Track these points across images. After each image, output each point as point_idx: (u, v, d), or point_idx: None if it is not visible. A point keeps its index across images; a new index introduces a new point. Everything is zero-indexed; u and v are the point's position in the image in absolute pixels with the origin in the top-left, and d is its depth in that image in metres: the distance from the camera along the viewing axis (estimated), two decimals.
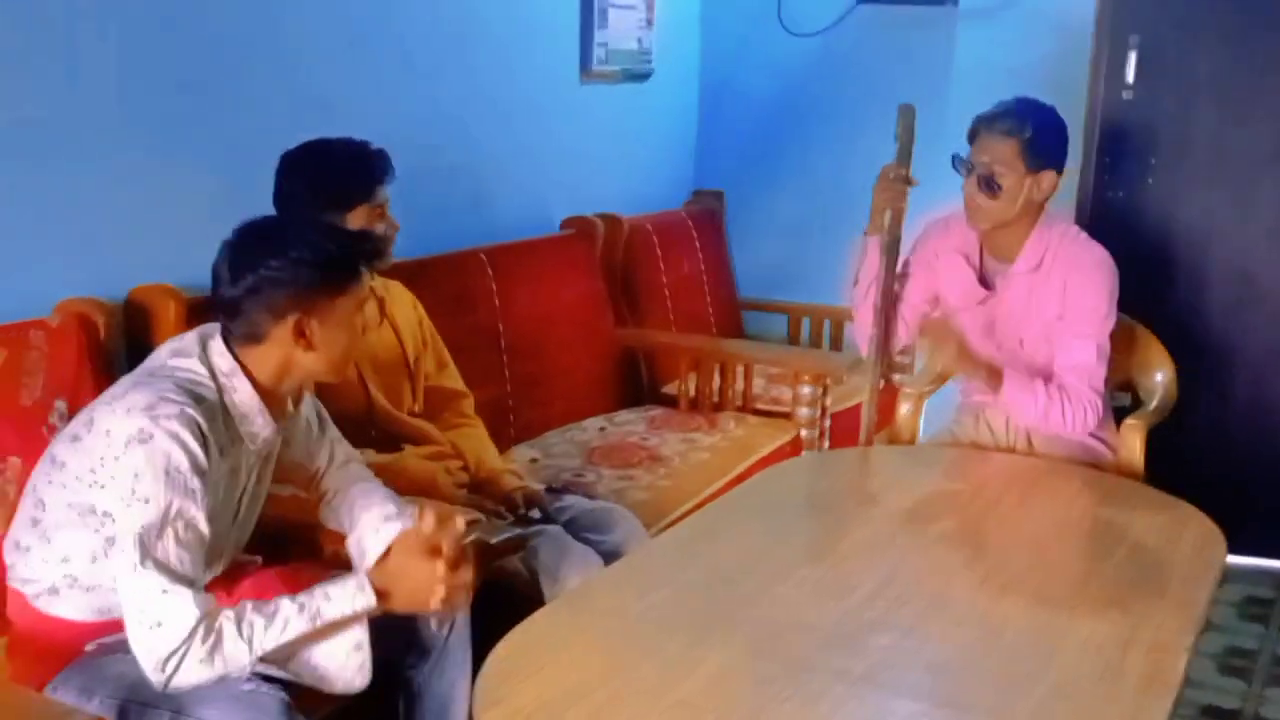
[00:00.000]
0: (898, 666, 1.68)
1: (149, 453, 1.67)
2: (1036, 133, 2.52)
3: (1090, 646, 1.72)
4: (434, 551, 1.81)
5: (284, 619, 1.72)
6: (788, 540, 2.15)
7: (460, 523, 1.85)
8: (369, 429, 2.49)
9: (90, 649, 1.85)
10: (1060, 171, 2.59)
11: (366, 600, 1.77)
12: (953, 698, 1.60)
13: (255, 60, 2.72)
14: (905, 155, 2.66)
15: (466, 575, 1.83)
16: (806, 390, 3.41)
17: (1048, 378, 2.57)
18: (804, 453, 3.38)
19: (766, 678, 1.63)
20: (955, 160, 2.61)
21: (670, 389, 3.73)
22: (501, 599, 2.11)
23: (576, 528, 2.51)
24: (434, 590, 1.80)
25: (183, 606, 1.66)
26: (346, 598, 1.77)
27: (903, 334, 2.85)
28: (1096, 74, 3.59)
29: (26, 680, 1.83)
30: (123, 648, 1.72)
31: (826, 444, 3.49)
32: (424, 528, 1.83)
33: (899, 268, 2.78)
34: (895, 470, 2.61)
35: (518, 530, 2.35)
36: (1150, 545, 2.13)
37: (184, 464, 1.69)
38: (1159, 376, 2.85)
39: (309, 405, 2.06)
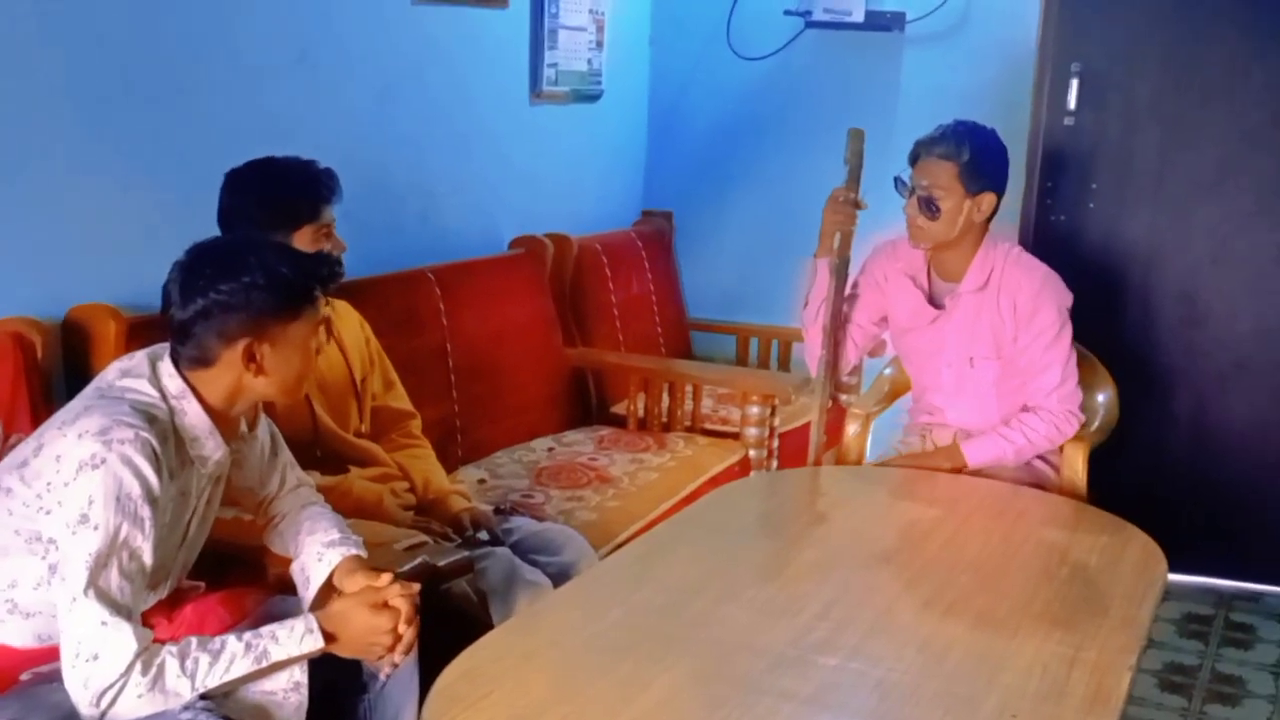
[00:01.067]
0: (844, 688, 1.69)
1: (101, 478, 1.64)
2: (975, 155, 2.57)
3: (1035, 667, 1.73)
4: (384, 604, 1.82)
5: (229, 657, 1.70)
6: (737, 561, 2.15)
7: (414, 587, 1.86)
8: (314, 450, 2.46)
9: (25, 678, 1.80)
10: (1000, 193, 2.63)
11: (314, 643, 1.76)
12: None
13: (202, 76, 2.69)
14: (855, 178, 2.70)
15: (413, 630, 1.84)
16: (755, 410, 3.42)
17: (1000, 401, 2.66)
18: (752, 473, 3.39)
19: (716, 700, 1.63)
20: (897, 182, 2.65)
21: (619, 409, 3.72)
22: (449, 622, 2.09)
23: (525, 549, 2.49)
24: (382, 643, 1.81)
25: (121, 640, 1.63)
26: (294, 640, 1.75)
27: (851, 355, 2.88)
28: (1039, 99, 3.66)
29: None
30: (58, 676, 1.68)
31: (775, 464, 3.50)
32: (378, 583, 1.85)
33: (848, 289, 2.81)
34: (843, 490, 2.63)
35: (465, 552, 2.33)
36: (1093, 565, 2.16)
37: (135, 491, 1.66)
38: (1101, 397, 2.90)
39: (264, 427, 2.04)
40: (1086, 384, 2.90)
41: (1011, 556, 2.19)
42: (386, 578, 1.86)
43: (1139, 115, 3.59)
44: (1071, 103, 3.62)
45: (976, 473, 2.69)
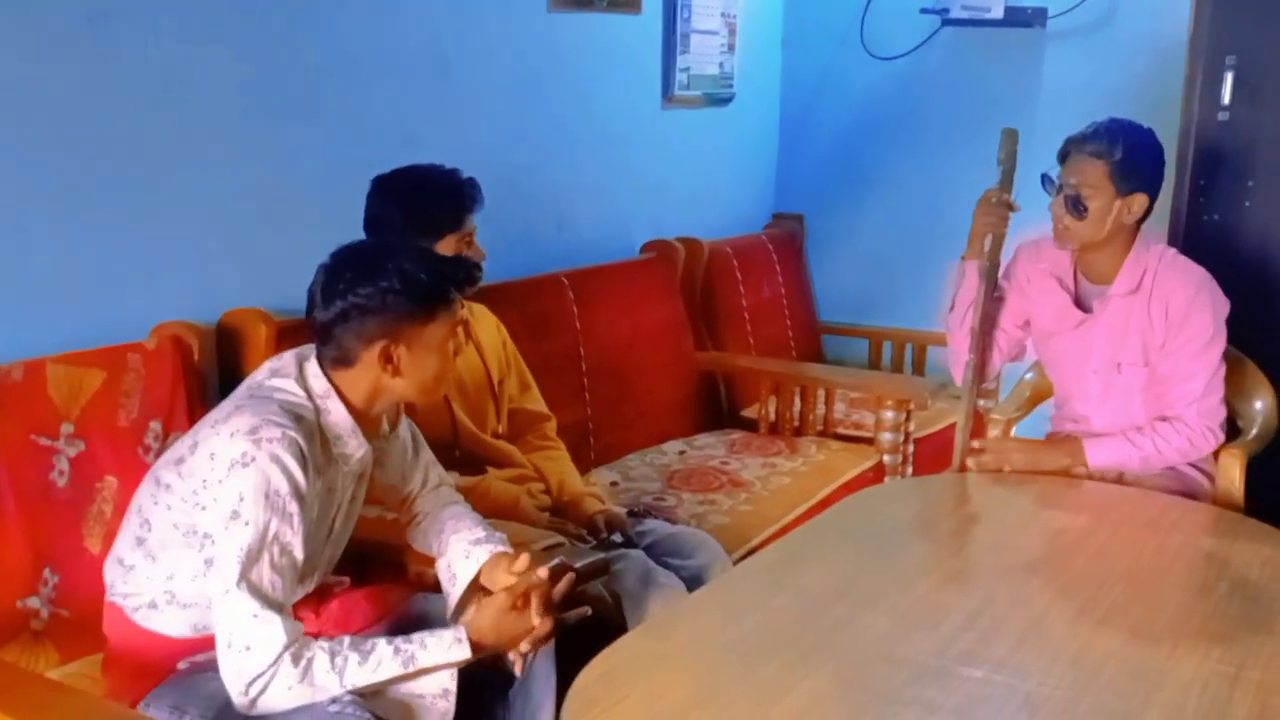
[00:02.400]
0: (991, 702, 1.64)
1: (251, 476, 1.70)
2: (1127, 154, 2.47)
3: (1195, 685, 1.66)
4: (525, 599, 1.86)
5: (378, 659, 1.75)
6: (876, 568, 2.11)
7: (543, 572, 1.89)
8: (453, 450, 2.50)
9: (183, 667, 1.88)
10: (1153, 195, 2.53)
11: (462, 653, 1.80)
12: None
13: (347, 87, 2.77)
14: (1007, 179, 2.63)
15: (546, 624, 1.87)
16: (889, 415, 3.36)
17: (1147, 409, 2.56)
18: (888, 478, 3.33)
19: (857, 710, 1.60)
20: (1044, 180, 2.57)
21: (750, 413, 3.70)
22: (584, 624, 2.10)
23: (658, 552, 2.49)
24: (522, 638, 1.85)
25: (271, 632, 1.69)
26: (443, 648, 1.79)
27: (995, 360, 2.81)
28: (1191, 95, 3.51)
29: (120, 696, 1.86)
30: (214, 666, 1.74)
31: (910, 470, 3.43)
32: (516, 568, 1.89)
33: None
34: (985, 497, 2.56)
35: (600, 554, 2.34)
36: (1254, 579, 2.06)
37: (284, 488, 1.72)
38: (1259, 404, 2.77)
39: (406, 427, 2.08)
40: (1243, 390, 2.79)
41: (1166, 569, 2.10)
42: (523, 560, 1.90)
43: None
44: (1226, 98, 3.46)
45: (1122, 480, 2.59)
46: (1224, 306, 2.53)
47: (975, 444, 2.66)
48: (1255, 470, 2.63)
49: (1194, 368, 2.51)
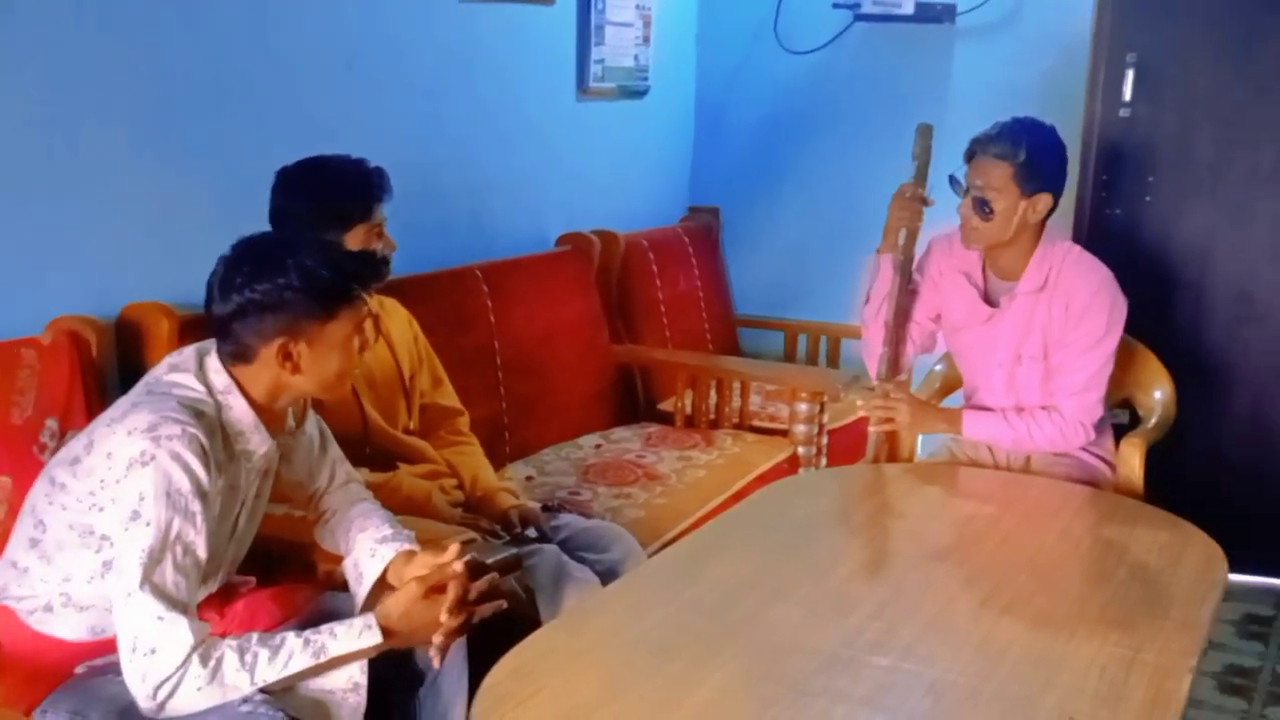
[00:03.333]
0: (898, 690, 1.66)
1: (151, 475, 1.66)
2: (1031, 156, 2.51)
3: (1093, 669, 1.70)
4: (438, 590, 1.83)
5: (288, 653, 1.72)
6: (787, 559, 2.13)
7: (460, 565, 1.86)
8: (364, 447, 2.47)
9: (81, 671, 1.83)
10: (1057, 194, 2.58)
11: (373, 639, 1.77)
12: None
13: (252, 78, 2.71)
14: (922, 174, 2.66)
15: (462, 616, 1.84)
16: (804, 407, 3.39)
17: (1026, 399, 2.65)
18: (802, 470, 3.36)
19: (767, 701, 1.61)
20: (952, 181, 2.61)
21: (666, 406, 3.71)
22: (497, 620, 2.09)
23: (572, 546, 2.48)
24: (435, 629, 1.82)
25: (177, 633, 1.65)
26: (353, 636, 1.76)
27: (908, 351, 2.84)
28: (1094, 92, 3.60)
29: (15, 704, 1.80)
30: (114, 669, 1.70)
31: (824, 461, 3.47)
32: (431, 563, 1.86)
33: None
34: (895, 488, 2.59)
35: (514, 549, 2.33)
36: (1151, 565, 2.12)
37: (185, 486, 1.68)
38: (1158, 394, 2.85)
39: (313, 423, 2.05)
40: (1142, 380, 2.86)
41: (1069, 555, 2.15)
42: (454, 549, 1.87)
43: (1196, 108, 3.52)
44: (1127, 95, 3.56)
45: (1028, 468, 2.65)
46: (1122, 307, 2.58)
47: (875, 393, 2.71)
48: (1154, 458, 2.70)
49: (1080, 363, 2.57)
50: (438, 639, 1.83)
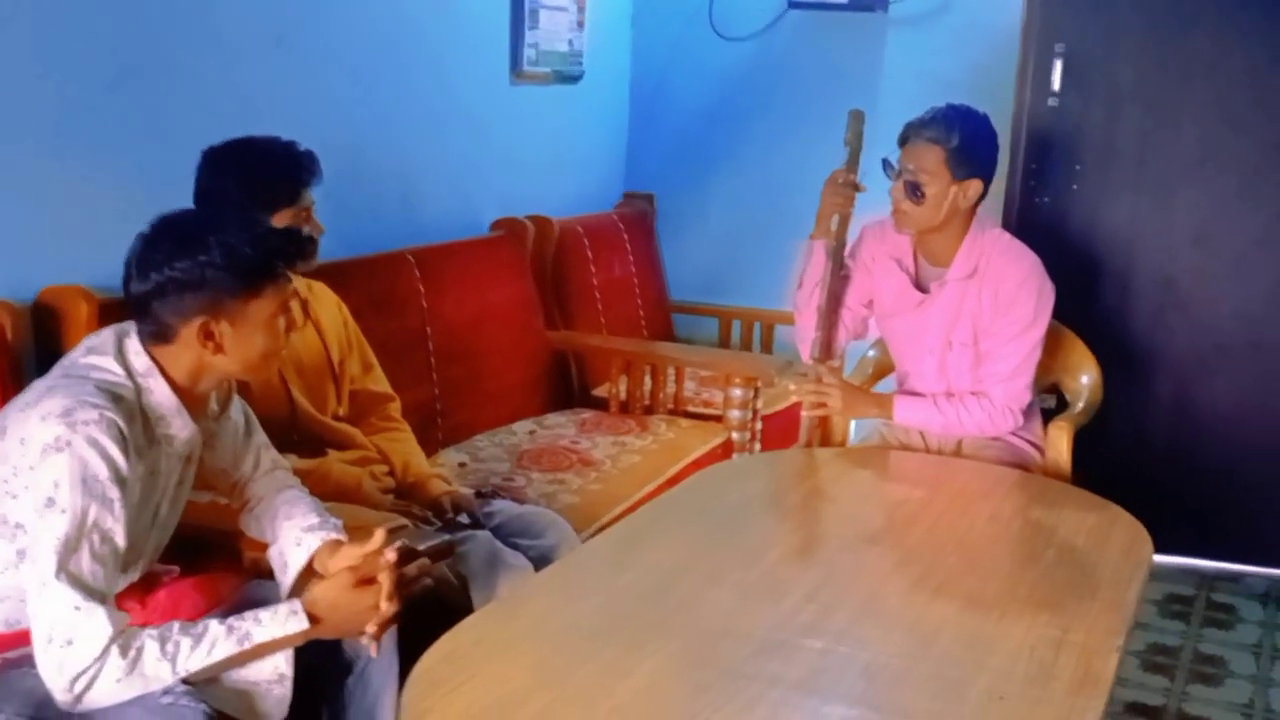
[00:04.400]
0: (831, 672, 1.67)
1: (66, 461, 1.60)
2: (964, 141, 2.53)
3: (1023, 649, 1.72)
4: (367, 579, 1.79)
5: (211, 640, 1.67)
6: (721, 544, 2.12)
7: (392, 555, 1.82)
8: (291, 433, 2.42)
9: None
10: (988, 180, 2.60)
11: (299, 624, 1.73)
12: (888, 703, 1.59)
13: (178, 52, 2.64)
14: (854, 160, 2.67)
15: (396, 604, 1.81)
16: (738, 393, 3.40)
17: (957, 384, 2.66)
18: (735, 455, 3.37)
19: (701, 686, 1.60)
20: (885, 164, 2.62)
21: (601, 391, 3.70)
22: (429, 607, 2.06)
23: (506, 533, 2.46)
24: (367, 619, 1.78)
25: (95, 624, 1.60)
26: (278, 622, 1.72)
27: (841, 337, 2.86)
28: (1023, 82, 3.63)
29: None
30: (29, 662, 1.65)
31: (758, 446, 3.48)
32: (359, 553, 1.82)
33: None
34: (828, 472, 2.60)
35: (446, 536, 2.30)
36: (1079, 546, 2.15)
37: (102, 473, 1.63)
38: (1085, 379, 2.89)
39: (238, 408, 2.00)
40: (1069, 365, 2.91)
41: (999, 537, 2.18)
42: (379, 536, 1.83)
43: (1122, 97, 3.58)
44: (1056, 84, 3.60)
45: (959, 452, 2.68)
46: (1049, 294, 2.61)
47: (808, 378, 2.71)
48: (1080, 442, 2.74)
49: (1008, 350, 2.60)
50: (372, 628, 1.80)
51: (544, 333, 3.65)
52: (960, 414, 2.61)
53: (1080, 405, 2.84)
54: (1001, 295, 2.59)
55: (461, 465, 3.02)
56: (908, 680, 1.65)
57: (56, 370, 1.76)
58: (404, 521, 2.37)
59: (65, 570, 1.60)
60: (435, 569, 2.14)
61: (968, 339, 2.64)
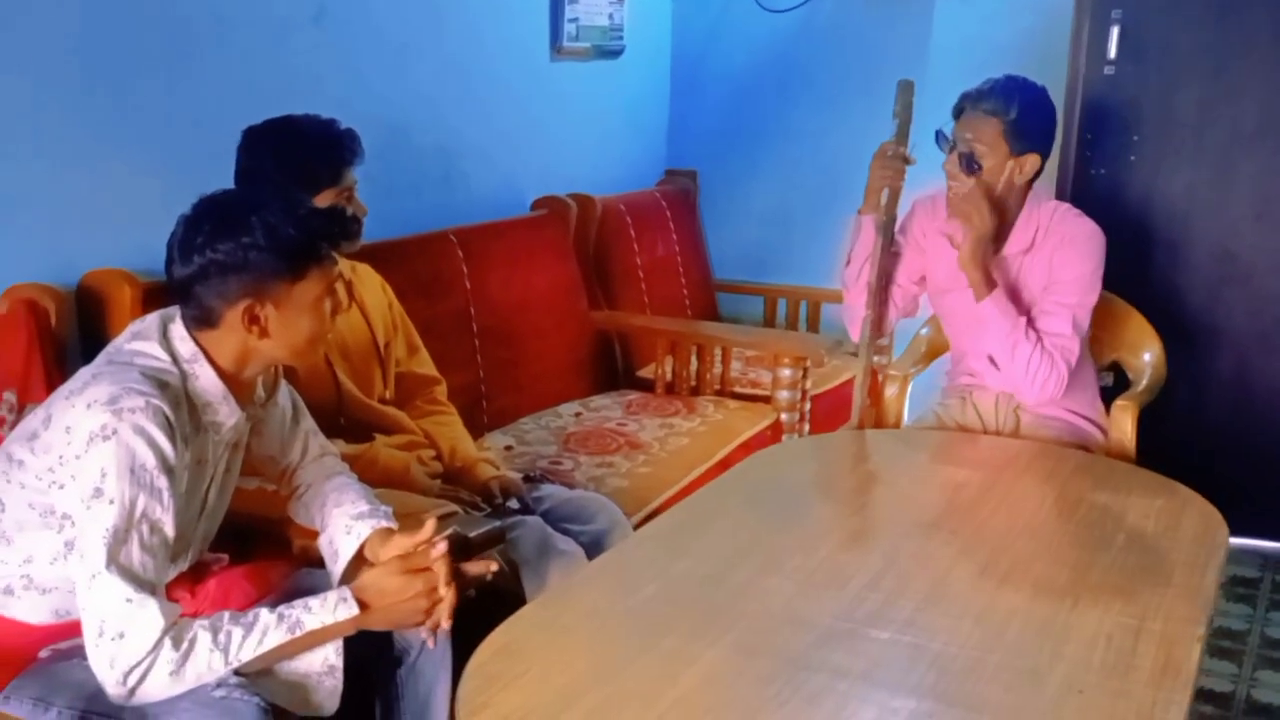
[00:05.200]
0: (899, 663, 1.61)
1: (113, 449, 1.57)
2: (1022, 113, 2.45)
3: (1099, 638, 1.65)
4: (419, 569, 1.75)
5: (262, 629, 1.63)
6: (778, 530, 2.07)
7: (443, 545, 1.77)
8: (338, 418, 2.38)
9: (45, 655, 1.74)
10: (1045, 155, 2.51)
11: (348, 611, 1.68)
12: (960, 696, 1.53)
13: (218, 31, 2.61)
14: (904, 132, 2.58)
15: (453, 592, 1.76)
16: (786, 373, 3.33)
17: None
18: (785, 437, 3.31)
19: (764, 677, 1.55)
20: (938, 136, 2.54)
21: (646, 373, 3.64)
22: (480, 594, 2.02)
23: (555, 518, 2.42)
24: (418, 607, 1.73)
25: (147, 616, 1.56)
26: (328, 609, 1.68)
27: (890, 315, 2.78)
28: (1078, 50, 3.54)
29: None
30: (80, 654, 1.62)
31: (807, 427, 3.42)
32: (410, 543, 1.78)
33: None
34: (885, 454, 2.54)
35: (496, 522, 2.25)
36: (1150, 530, 2.07)
37: (150, 461, 1.59)
38: (1146, 355, 2.81)
39: (285, 394, 1.96)
40: (1130, 342, 2.83)
41: (1065, 522, 2.10)
42: (430, 526, 1.79)
43: (1181, 66, 3.47)
44: (1112, 52, 3.50)
45: (1017, 433, 2.61)
46: (1103, 263, 2.50)
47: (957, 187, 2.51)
48: (1140, 421, 2.66)
49: (1068, 302, 2.48)
50: (432, 621, 1.75)
51: (588, 313, 3.60)
52: (1026, 348, 2.45)
53: (1144, 383, 2.76)
54: (1058, 258, 2.50)
55: (508, 449, 2.97)
56: (979, 672, 1.58)
57: (101, 357, 1.72)
58: (454, 508, 2.32)
59: (115, 562, 1.57)
60: (488, 557, 2.09)
61: (1024, 313, 2.56)
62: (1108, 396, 2.75)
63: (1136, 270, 3.36)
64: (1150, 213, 3.57)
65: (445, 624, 1.76)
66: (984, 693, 1.54)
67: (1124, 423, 2.62)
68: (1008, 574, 1.87)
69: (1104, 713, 1.49)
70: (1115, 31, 3.49)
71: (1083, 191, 3.56)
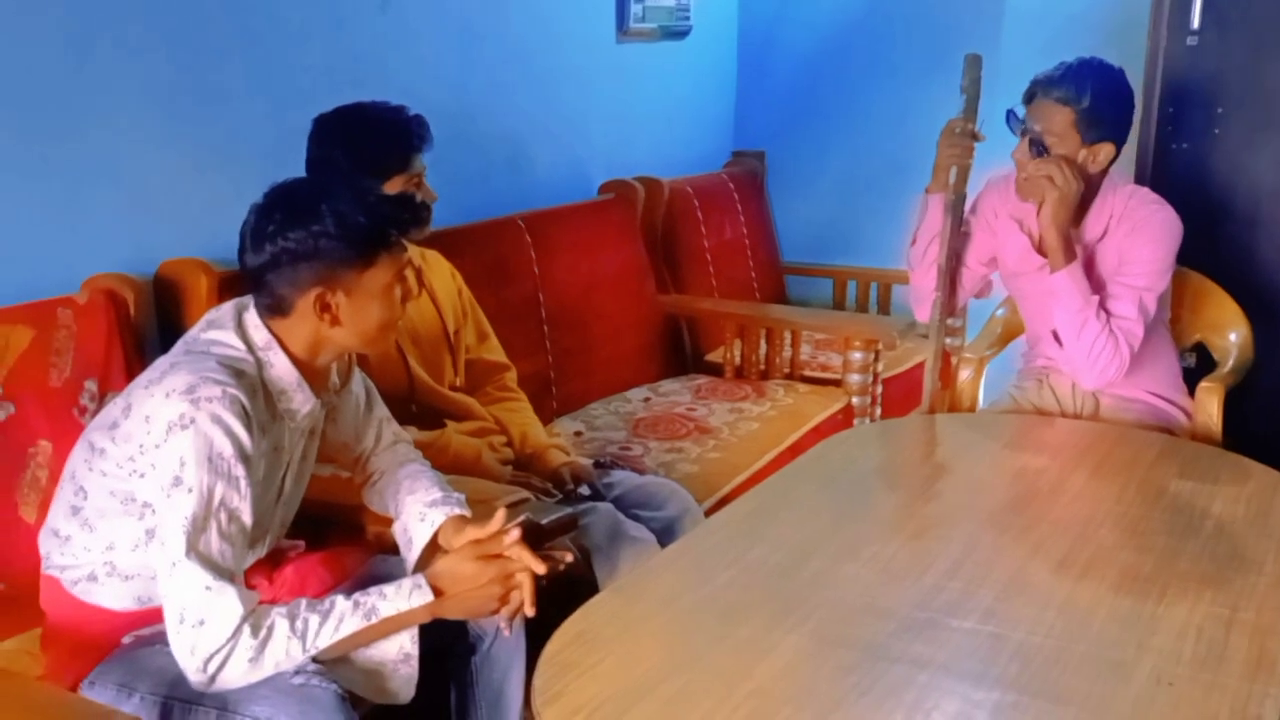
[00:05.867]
0: (981, 654, 1.57)
1: (191, 438, 1.58)
2: (1095, 102, 2.36)
3: (1189, 630, 1.60)
4: (492, 555, 1.75)
5: (339, 616, 1.65)
6: (854, 516, 2.04)
7: (516, 533, 1.77)
8: (410, 405, 2.39)
9: (127, 641, 1.77)
10: (1120, 143, 2.43)
11: (423, 597, 1.69)
12: (1045, 688, 1.49)
13: (285, 21, 2.62)
14: (972, 108, 2.50)
15: (530, 582, 1.75)
16: (857, 356, 3.29)
17: None
18: (856, 420, 3.27)
19: (844, 666, 1.53)
20: (1010, 117, 2.46)
21: (715, 357, 3.62)
22: (552, 581, 2.02)
23: (627, 504, 2.41)
24: (493, 594, 1.74)
25: (226, 603, 1.58)
26: (403, 596, 1.69)
27: (960, 296, 2.72)
28: (1159, 19, 3.42)
29: (61, 676, 1.75)
30: (161, 640, 1.65)
31: (879, 411, 3.37)
32: (482, 533, 1.78)
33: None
34: (960, 440, 2.49)
35: (568, 509, 2.25)
36: (1239, 516, 2.00)
37: (227, 450, 1.60)
38: (1233, 336, 2.73)
39: (358, 381, 1.97)
40: (1215, 322, 2.75)
41: (1149, 508, 2.04)
42: (500, 516, 1.79)
43: (1267, 35, 3.34)
44: (1195, 21, 3.38)
45: (1097, 416, 2.55)
46: (1176, 250, 2.43)
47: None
48: (1231, 404, 2.58)
49: (1137, 284, 2.41)
50: (529, 609, 1.75)
51: (656, 297, 3.58)
52: (1094, 327, 2.37)
53: (1230, 365, 2.68)
54: (1130, 241, 2.42)
55: (577, 434, 2.97)
56: (1064, 663, 1.54)
57: (179, 346, 1.74)
58: (525, 494, 2.32)
59: (195, 550, 1.58)
60: (560, 544, 2.08)
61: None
62: (1190, 378, 2.67)
63: (1221, 248, 3.25)
64: (1235, 188, 3.45)
65: (529, 611, 1.76)
66: (1069, 685, 1.50)
67: (1210, 405, 2.54)
68: (1090, 563, 1.83)
69: (1195, 706, 1.45)
70: (1199, 2, 3.38)
71: (1164, 167, 3.45)
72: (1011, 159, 2.46)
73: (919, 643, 1.58)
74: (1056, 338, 2.50)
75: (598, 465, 2.56)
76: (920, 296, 2.69)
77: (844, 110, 4.19)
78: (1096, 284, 2.46)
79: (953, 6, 3.87)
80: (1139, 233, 2.42)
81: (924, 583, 1.75)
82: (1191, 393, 2.62)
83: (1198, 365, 2.91)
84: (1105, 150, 2.41)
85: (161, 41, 2.36)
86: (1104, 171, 2.45)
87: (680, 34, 4.02)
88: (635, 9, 3.74)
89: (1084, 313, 2.40)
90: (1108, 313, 2.41)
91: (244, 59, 2.54)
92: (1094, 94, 2.36)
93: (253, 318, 1.74)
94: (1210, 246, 2.55)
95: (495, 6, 3.23)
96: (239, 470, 1.62)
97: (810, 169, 4.30)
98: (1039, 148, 2.39)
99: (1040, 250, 2.52)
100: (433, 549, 1.87)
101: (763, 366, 3.48)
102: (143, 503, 1.67)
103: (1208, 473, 2.20)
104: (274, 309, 1.72)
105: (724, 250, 3.96)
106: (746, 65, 4.37)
